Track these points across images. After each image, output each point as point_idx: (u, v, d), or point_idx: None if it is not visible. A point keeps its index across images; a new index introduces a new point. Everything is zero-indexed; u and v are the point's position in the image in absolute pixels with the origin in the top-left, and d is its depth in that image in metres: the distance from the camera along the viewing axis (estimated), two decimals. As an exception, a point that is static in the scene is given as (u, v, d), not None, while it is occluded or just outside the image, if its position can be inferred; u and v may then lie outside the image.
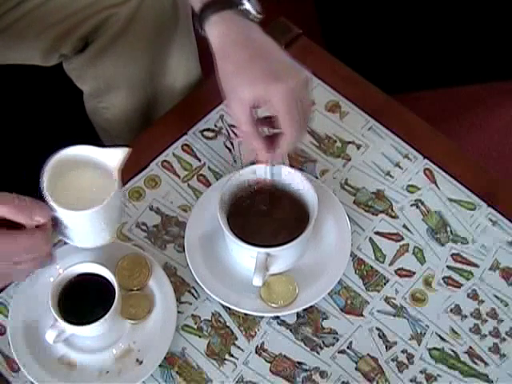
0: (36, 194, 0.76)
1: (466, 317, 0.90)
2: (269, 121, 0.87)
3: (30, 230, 0.76)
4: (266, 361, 0.88)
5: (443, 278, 0.93)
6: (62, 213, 0.77)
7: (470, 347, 0.88)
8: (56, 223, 0.78)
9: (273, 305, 0.89)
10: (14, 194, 0.75)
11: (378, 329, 0.89)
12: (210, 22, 0.86)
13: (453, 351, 0.88)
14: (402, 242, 0.95)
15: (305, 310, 0.90)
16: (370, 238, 0.95)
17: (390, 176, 1.00)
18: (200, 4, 0.86)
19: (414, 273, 0.93)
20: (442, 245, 0.95)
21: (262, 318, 0.90)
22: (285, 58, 0.85)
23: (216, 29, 0.86)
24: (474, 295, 0.91)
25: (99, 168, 0.79)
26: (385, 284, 0.92)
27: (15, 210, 0.74)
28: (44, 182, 0.77)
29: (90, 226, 0.79)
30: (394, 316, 0.90)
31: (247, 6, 0.86)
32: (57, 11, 1.09)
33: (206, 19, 0.86)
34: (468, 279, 0.93)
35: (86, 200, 0.77)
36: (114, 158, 0.79)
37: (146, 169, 1.00)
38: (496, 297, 0.91)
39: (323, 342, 0.88)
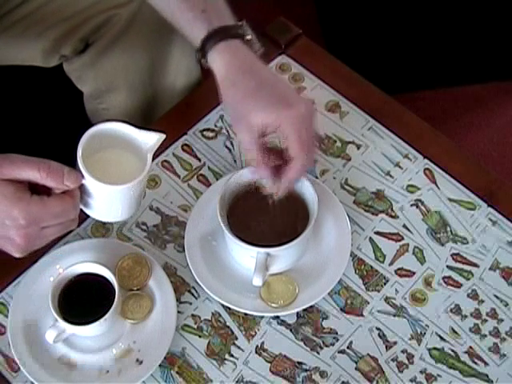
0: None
1: (466, 317, 0.90)
2: (275, 152, 0.87)
3: (59, 196, 0.75)
4: (265, 361, 0.88)
5: (443, 278, 0.93)
6: (91, 183, 0.76)
7: (470, 347, 0.88)
8: (82, 192, 0.78)
9: (273, 305, 0.89)
10: (43, 159, 0.74)
11: (377, 329, 0.89)
12: (215, 49, 0.87)
13: (453, 351, 0.88)
14: (402, 242, 0.95)
15: (305, 309, 0.90)
16: (370, 238, 0.95)
17: (390, 176, 1.00)
18: (205, 32, 0.87)
19: (414, 273, 0.93)
20: (442, 245, 0.95)
21: (261, 317, 0.90)
22: (290, 87, 0.86)
23: (222, 56, 0.86)
24: (474, 295, 0.91)
25: (132, 147, 0.79)
26: (385, 284, 0.92)
27: (45, 173, 0.74)
28: (79, 150, 0.76)
29: (116, 200, 0.80)
30: (394, 316, 0.90)
31: (251, 37, 0.88)
32: (58, 12, 1.09)
33: (211, 47, 0.87)
34: (468, 279, 0.92)
35: (113, 175, 0.77)
36: (148, 140, 0.79)
37: (146, 169, 1.00)
38: (496, 297, 0.91)
39: (323, 342, 0.88)
